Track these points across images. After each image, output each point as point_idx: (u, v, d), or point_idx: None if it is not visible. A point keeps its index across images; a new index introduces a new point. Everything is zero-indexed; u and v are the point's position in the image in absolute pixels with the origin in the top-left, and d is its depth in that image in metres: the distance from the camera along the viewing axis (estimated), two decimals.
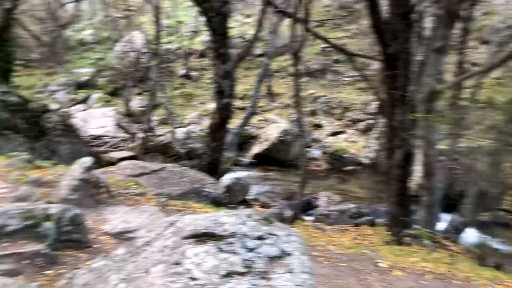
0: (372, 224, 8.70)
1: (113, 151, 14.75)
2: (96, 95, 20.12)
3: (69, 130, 10.98)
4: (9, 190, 4.66)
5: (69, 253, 3.55)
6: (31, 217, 3.52)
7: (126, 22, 16.55)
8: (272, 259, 2.60)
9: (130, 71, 18.88)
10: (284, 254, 2.63)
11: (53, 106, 16.36)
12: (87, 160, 5.06)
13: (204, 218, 2.94)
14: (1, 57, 10.78)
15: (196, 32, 22.19)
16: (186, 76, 21.58)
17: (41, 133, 10.13)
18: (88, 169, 4.96)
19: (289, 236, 2.86)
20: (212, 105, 11.91)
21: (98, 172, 5.42)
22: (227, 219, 2.84)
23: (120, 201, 5.31)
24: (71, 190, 4.63)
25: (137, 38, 19.46)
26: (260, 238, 2.70)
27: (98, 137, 15.94)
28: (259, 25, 12.42)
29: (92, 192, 4.99)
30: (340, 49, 10.07)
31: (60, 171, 5.31)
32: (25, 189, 4.49)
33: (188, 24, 23.47)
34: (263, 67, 14.27)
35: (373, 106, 16.71)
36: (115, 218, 4.47)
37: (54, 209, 3.69)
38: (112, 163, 11.52)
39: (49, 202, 4.52)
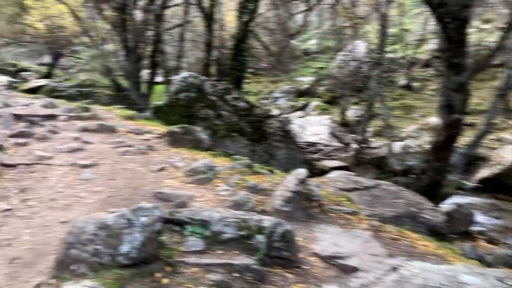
0: None
1: (325, 159, 14.82)
2: (314, 103, 20.74)
3: (287, 136, 11.39)
4: (229, 193, 4.84)
5: (276, 271, 3.38)
6: (245, 227, 3.48)
7: (351, 32, 16.52)
8: None
9: (349, 80, 18.82)
10: None
11: (275, 112, 17.43)
12: (302, 172, 4.92)
13: (437, 271, 2.33)
14: (236, 66, 11.90)
15: (422, 41, 20.79)
16: (407, 87, 20.40)
17: (263, 137, 10.74)
18: (302, 181, 4.81)
19: None
20: (434, 119, 10.76)
21: (312, 184, 5.25)
22: (469, 279, 2.18)
23: (331, 218, 5.01)
24: (284, 201, 4.54)
25: (360, 47, 19.27)
26: None
27: (313, 144, 16.29)
28: (507, 31, 10.64)
29: (304, 205, 4.83)
30: None
31: (276, 179, 5.33)
32: (243, 195, 4.58)
33: (414, 32, 22.17)
34: (505, 79, 12.25)
35: None
36: (326, 238, 4.17)
37: (267, 222, 3.58)
38: (324, 171, 11.54)
39: (262, 211, 4.52)
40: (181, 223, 3.49)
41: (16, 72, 21.96)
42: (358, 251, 3.92)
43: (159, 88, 17.41)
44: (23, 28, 21.86)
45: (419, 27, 20.99)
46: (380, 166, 13.26)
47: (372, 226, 5.10)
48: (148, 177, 5.27)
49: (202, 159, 5.92)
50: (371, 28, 18.91)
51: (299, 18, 18.36)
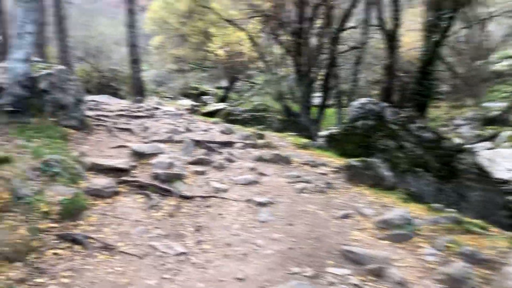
0: None
1: None
2: (506, 133, 17.72)
3: (483, 175, 9.58)
4: (437, 260, 3.76)
5: None
6: None
7: None
8: None
9: None
10: None
11: (456, 141, 15.28)
12: None
13: None
14: (421, 91, 10.52)
15: None
16: None
17: (452, 174, 9.18)
18: None
19: None
20: None
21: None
22: None
23: None
24: None
25: None
26: None
27: (506, 181, 13.72)
28: None
29: None
30: None
31: (499, 244, 4.04)
32: (460, 267, 3.46)
33: None
34: None
35: None
36: None
37: None
38: None
39: None
40: None
41: (198, 95, 23.84)
42: None
43: (328, 112, 16.81)
44: (206, 54, 23.67)
45: None
46: None
47: None
48: (331, 225, 4.50)
49: (395, 206, 4.93)
50: None
51: (494, 36, 15.94)
